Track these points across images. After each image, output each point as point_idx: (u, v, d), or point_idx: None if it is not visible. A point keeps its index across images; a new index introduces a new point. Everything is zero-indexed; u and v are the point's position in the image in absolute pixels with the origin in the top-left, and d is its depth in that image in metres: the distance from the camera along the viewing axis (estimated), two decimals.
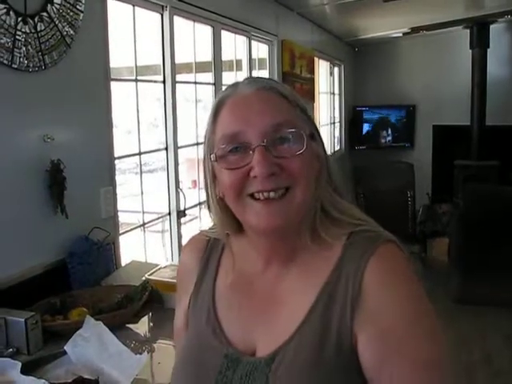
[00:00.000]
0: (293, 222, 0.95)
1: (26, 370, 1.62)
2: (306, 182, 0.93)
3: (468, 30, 7.67)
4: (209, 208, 1.05)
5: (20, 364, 1.58)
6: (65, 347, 1.77)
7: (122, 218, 3.11)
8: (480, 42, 7.60)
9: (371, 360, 0.88)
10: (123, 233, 2.94)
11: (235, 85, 1.01)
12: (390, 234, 0.97)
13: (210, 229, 1.13)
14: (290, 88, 1.03)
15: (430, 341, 0.89)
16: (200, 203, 4.05)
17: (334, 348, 0.89)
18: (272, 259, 1.00)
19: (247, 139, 0.92)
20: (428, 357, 0.87)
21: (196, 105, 4.03)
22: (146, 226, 3.31)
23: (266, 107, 0.94)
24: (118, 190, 2.87)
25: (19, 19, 2.09)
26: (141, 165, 3.28)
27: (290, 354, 0.90)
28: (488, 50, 7.65)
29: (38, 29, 2.18)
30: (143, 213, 3.27)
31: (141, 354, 1.74)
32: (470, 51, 7.74)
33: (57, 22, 2.27)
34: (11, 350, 1.86)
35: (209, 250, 1.11)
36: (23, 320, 1.87)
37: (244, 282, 1.03)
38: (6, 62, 2.05)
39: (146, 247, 3.34)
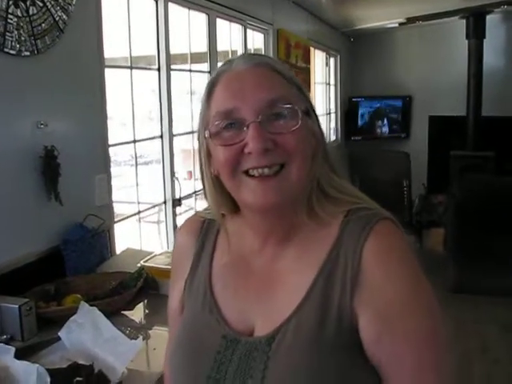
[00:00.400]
0: (289, 199, 0.93)
1: (20, 356, 1.60)
2: (302, 159, 0.92)
3: (464, 21, 7.65)
4: (204, 188, 1.04)
5: (14, 349, 1.56)
6: (59, 333, 1.75)
7: (118, 209, 3.10)
8: (476, 32, 7.59)
9: (371, 336, 0.88)
10: (118, 221, 2.92)
11: (230, 61, 1.00)
12: (386, 211, 0.97)
13: (204, 210, 1.12)
14: (286, 65, 1.02)
15: (428, 316, 0.89)
16: (195, 192, 4.04)
17: (335, 326, 0.88)
18: (269, 238, 0.99)
19: (241, 115, 0.91)
20: (426, 333, 0.88)
21: (191, 95, 4.01)
22: (141, 216, 3.29)
23: (260, 83, 0.93)
24: (114, 182, 2.85)
25: (10, 2, 2.06)
26: (136, 154, 3.26)
27: (290, 333, 0.90)
28: (484, 41, 7.65)
29: (30, 12, 2.15)
30: (138, 203, 3.26)
31: (136, 339, 1.73)
32: (467, 42, 7.73)
33: (49, 6, 2.24)
34: (5, 336, 1.86)
35: (204, 231, 1.10)
36: (17, 306, 1.86)
37: (240, 262, 1.03)
38: None
39: (141, 238, 3.33)
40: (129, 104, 3.17)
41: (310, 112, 0.98)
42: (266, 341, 0.91)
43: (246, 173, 0.92)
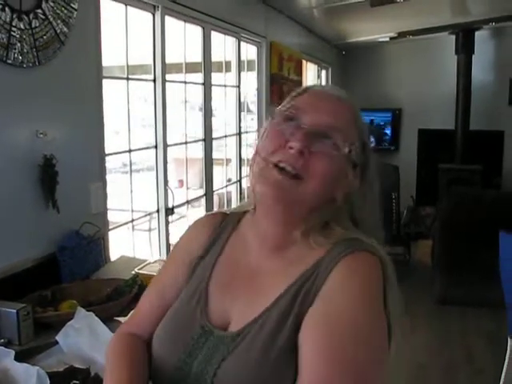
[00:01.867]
0: (287, 204, 1.01)
1: (18, 360, 1.64)
2: (318, 184, 1.01)
3: (454, 36, 7.78)
4: (251, 167, 1.10)
5: (13, 352, 1.61)
6: (56, 337, 1.80)
7: (109, 216, 3.14)
8: (465, 47, 7.72)
9: (303, 326, 0.93)
10: (112, 228, 2.97)
11: (326, 86, 1.16)
12: (375, 245, 1.01)
13: (227, 210, 1.24)
14: (364, 119, 1.13)
15: (364, 346, 0.90)
16: (188, 202, 4.10)
17: (289, 331, 0.94)
18: (264, 242, 1.07)
19: (305, 118, 1.03)
20: (348, 357, 0.88)
21: (185, 105, 4.07)
22: (134, 224, 3.34)
23: (335, 110, 1.05)
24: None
25: (14, 15, 2.12)
26: (131, 163, 3.31)
27: (252, 333, 0.97)
28: (473, 56, 7.77)
29: (33, 25, 2.21)
30: (132, 211, 3.31)
31: None
32: (456, 57, 7.86)
33: (51, 19, 2.30)
34: (3, 340, 1.88)
35: (223, 224, 1.18)
36: (15, 311, 1.89)
37: (240, 259, 1.11)
38: (0, 57, 2.08)
39: (133, 245, 3.37)
40: (123, 113, 3.22)
41: (356, 165, 1.05)
42: (232, 336, 0.99)
43: (275, 165, 1.01)
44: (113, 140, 3.87)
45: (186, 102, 4.06)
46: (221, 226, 1.18)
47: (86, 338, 1.79)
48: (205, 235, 1.18)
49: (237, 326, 1.01)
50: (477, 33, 7.70)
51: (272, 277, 1.04)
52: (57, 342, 1.81)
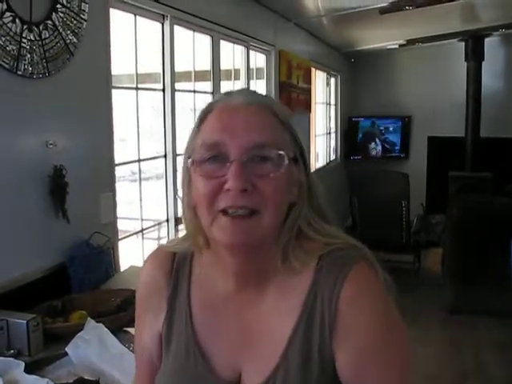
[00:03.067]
0: (258, 243, 0.93)
1: (28, 371, 1.64)
2: (275, 208, 0.92)
3: (463, 43, 7.75)
4: (183, 214, 1.01)
5: (23, 364, 1.61)
6: (66, 349, 1.80)
7: (118, 224, 3.14)
8: (475, 54, 7.68)
9: (349, 374, 0.93)
10: (122, 238, 2.97)
11: (228, 93, 1.00)
12: (359, 247, 0.99)
13: (169, 243, 1.13)
14: (285, 107, 1.02)
15: (399, 355, 0.95)
16: None
17: (318, 370, 0.92)
18: (244, 282, 0.98)
19: (227, 151, 0.90)
20: (397, 371, 0.94)
21: (194, 113, 4.07)
22: (143, 233, 3.34)
23: (253, 123, 0.92)
24: None
25: (25, 27, 2.13)
26: (140, 172, 3.32)
27: (279, 382, 0.93)
28: (483, 63, 7.74)
29: (43, 36, 2.23)
30: (142, 220, 3.31)
31: None
32: (465, 64, 7.82)
33: (61, 30, 2.31)
34: (12, 351, 1.87)
35: (176, 266, 1.06)
36: (25, 322, 1.88)
37: (218, 304, 1.01)
38: (11, 68, 2.09)
39: (142, 254, 3.36)
40: (132, 122, 3.23)
41: (298, 159, 0.97)
42: None
43: (222, 211, 0.91)
44: (120, 149, 3.88)
45: (195, 110, 4.06)
46: (173, 270, 1.06)
47: (95, 349, 1.79)
48: (163, 286, 1.05)
49: (254, 379, 0.95)
50: (486, 39, 7.66)
51: (268, 317, 0.97)
52: (66, 354, 1.80)
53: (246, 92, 1.03)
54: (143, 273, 1.10)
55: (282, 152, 0.92)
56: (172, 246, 1.08)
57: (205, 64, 4.08)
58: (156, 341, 1.06)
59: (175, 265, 1.06)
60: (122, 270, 2.75)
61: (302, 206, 0.97)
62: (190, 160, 0.94)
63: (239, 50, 4.71)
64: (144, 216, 3.42)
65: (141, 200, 3.34)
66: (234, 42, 4.51)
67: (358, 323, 0.92)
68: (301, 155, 0.98)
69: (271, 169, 0.91)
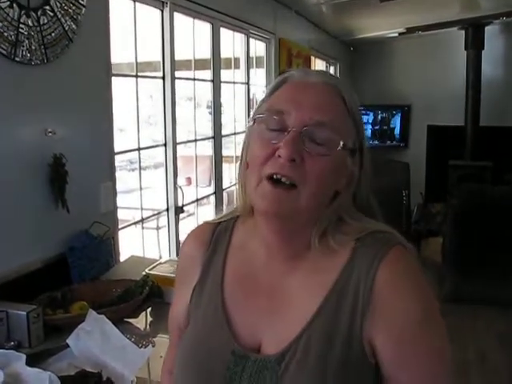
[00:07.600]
0: (290, 216, 0.94)
1: (28, 363, 1.62)
2: (314, 190, 0.93)
3: (463, 31, 7.72)
4: (238, 178, 1.05)
5: (25, 356, 1.58)
6: (67, 340, 1.77)
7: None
8: (475, 43, 7.66)
9: (390, 360, 0.93)
10: (122, 228, 2.94)
11: (306, 71, 1.03)
12: (398, 234, 0.99)
13: (216, 216, 1.14)
14: (355, 95, 1.01)
15: (438, 338, 0.95)
16: (197, 200, 4.06)
17: (343, 345, 0.91)
18: (276, 254, 1.00)
19: (288, 121, 0.93)
20: (438, 354, 0.94)
21: (194, 102, 4.04)
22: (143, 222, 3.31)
23: (321, 102, 0.95)
24: None
25: (22, 12, 2.09)
26: (140, 161, 3.28)
27: (299, 352, 0.92)
28: (483, 51, 7.71)
29: (41, 22, 2.18)
30: (142, 209, 3.28)
31: (145, 347, 1.75)
32: (465, 52, 7.79)
33: (59, 16, 2.26)
34: (13, 343, 1.85)
35: (216, 236, 1.09)
36: (25, 313, 1.86)
37: (251, 273, 1.03)
38: (8, 54, 2.05)
39: (142, 244, 3.34)
40: (130, 110, 3.19)
41: (355, 151, 0.98)
42: (275, 360, 0.93)
43: (267, 177, 0.93)
44: (119, 137, 3.85)
45: (194, 99, 4.02)
46: (212, 240, 1.09)
47: (97, 341, 1.76)
48: (199, 256, 1.09)
49: (274, 346, 0.95)
50: (486, 28, 7.63)
51: (299, 289, 0.98)
52: (67, 345, 1.77)
53: (323, 72, 1.06)
54: (183, 246, 1.16)
55: (338, 137, 0.94)
56: (216, 219, 1.12)
57: (205, 53, 4.04)
58: (185, 313, 1.07)
59: (215, 235, 1.09)
60: (122, 259, 2.72)
61: (345, 198, 0.99)
62: (252, 121, 0.98)
63: (239, 38, 4.67)
64: (144, 205, 3.39)
65: (140, 189, 3.31)
66: (234, 30, 4.47)
67: (396, 306, 0.91)
68: (360, 148, 1.00)
69: (322, 150, 0.93)
